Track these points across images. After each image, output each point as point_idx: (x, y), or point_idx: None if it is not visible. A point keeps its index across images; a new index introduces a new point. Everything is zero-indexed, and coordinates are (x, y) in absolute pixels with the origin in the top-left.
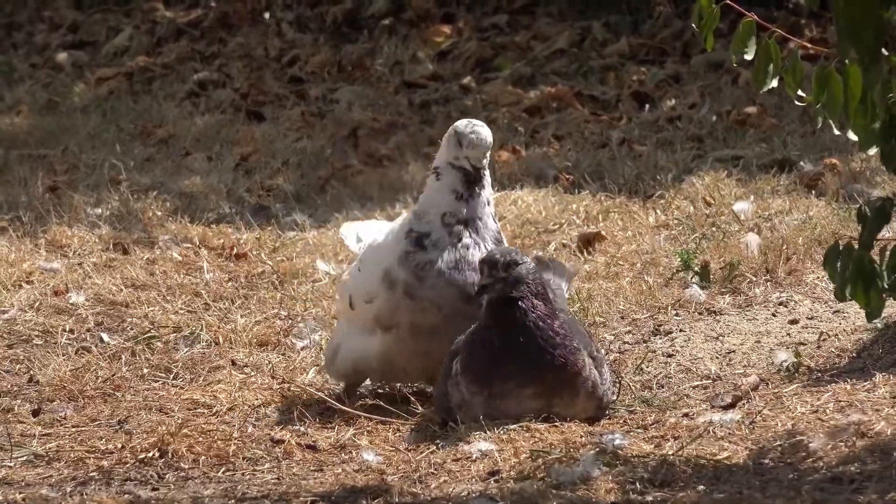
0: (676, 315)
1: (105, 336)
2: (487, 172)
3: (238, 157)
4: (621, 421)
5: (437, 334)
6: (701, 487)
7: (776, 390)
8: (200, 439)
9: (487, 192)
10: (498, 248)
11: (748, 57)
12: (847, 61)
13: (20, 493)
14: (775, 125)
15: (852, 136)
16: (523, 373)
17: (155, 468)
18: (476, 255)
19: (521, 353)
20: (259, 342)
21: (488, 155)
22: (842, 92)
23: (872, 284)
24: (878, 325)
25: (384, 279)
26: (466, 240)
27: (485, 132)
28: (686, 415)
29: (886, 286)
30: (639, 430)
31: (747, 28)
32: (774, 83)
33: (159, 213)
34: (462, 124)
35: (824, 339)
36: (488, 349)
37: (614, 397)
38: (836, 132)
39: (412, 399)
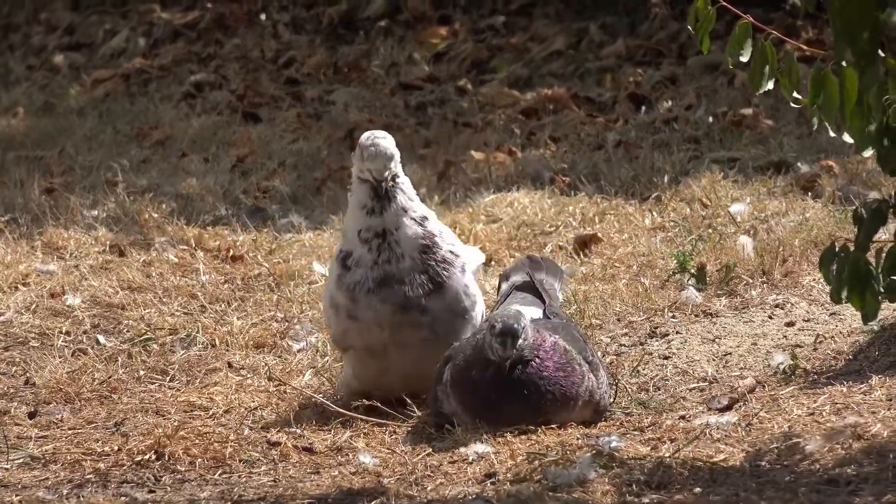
0: (673, 317)
1: (101, 338)
2: (404, 179)
3: (234, 159)
4: (618, 423)
5: (389, 351)
6: (697, 490)
7: (772, 392)
8: (197, 441)
9: (403, 200)
10: (511, 316)
11: (744, 59)
12: (843, 63)
13: (17, 495)
14: (771, 127)
15: (848, 139)
16: (520, 411)
17: (151, 470)
18: (400, 267)
19: (519, 394)
20: (255, 344)
21: (394, 166)
22: (838, 94)
23: (868, 287)
24: (875, 328)
25: (331, 304)
26: (385, 254)
27: (384, 143)
28: (682, 417)
29: (882, 289)
30: (635, 433)
31: (743, 30)
32: (770, 85)
33: (156, 215)
34: (364, 136)
35: (821, 342)
36: (484, 387)
37: (611, 400)
38: (833, 134)
39: (408, 401)
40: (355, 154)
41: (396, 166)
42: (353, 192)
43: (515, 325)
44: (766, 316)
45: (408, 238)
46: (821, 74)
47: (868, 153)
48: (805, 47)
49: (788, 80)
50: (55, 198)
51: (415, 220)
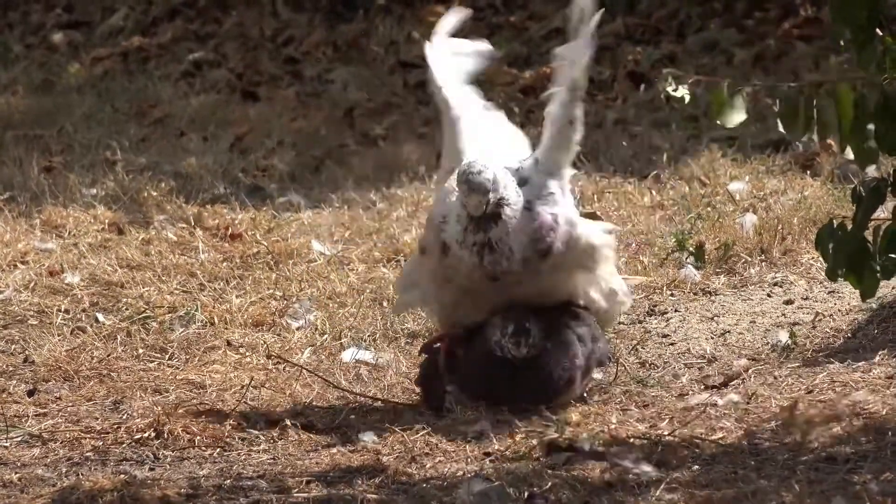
0: (672, 295)
1: (100, 316)
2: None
3: (233, 138)
4: (616, 401)
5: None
6: (696, 467)
7: (771, 370)
8: (196, 419)
9: (510, 212)
10: (520, 315)
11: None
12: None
13: (15, 473)
14: (770, 105)
15: (850, 156)
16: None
17: (151, 448)
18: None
19: (523, 382)
20: (254, 322)
21: (493, 197)
22: (835, 115)
23: (866, 265)
24: (873, 306)
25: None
26: (488, 257)
27: (478, 179)
28: (681, 395)
29: (879, 266)
30: (634, 411)
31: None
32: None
33: (154, 194)
34: (463, 166)
35: (819, 320)
36: (488, 374)
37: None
38: (841, 154)
39: (407, 380)
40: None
41: (501, 191)
42: (457, 202)
43: (530, 326)
44: (764, 294)
45: (517, 237)
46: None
47: (871, 169)
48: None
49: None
50: (54, 176)
51: (528, 216)
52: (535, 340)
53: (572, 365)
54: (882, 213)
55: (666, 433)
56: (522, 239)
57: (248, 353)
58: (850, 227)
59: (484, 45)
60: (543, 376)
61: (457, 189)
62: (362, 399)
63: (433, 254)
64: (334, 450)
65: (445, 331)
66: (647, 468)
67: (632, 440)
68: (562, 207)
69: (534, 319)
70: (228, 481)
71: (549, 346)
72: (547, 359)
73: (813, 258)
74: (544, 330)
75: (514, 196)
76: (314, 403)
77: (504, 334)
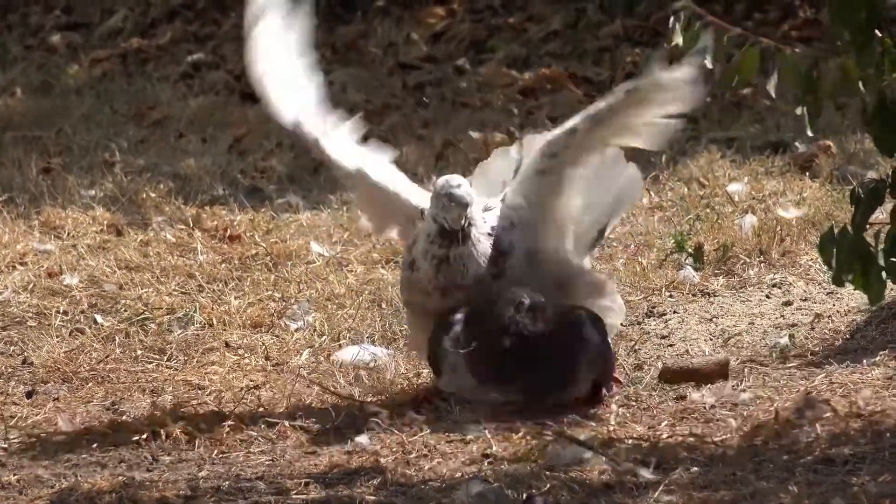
0: (670, 297)
1: (99, 318)
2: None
3: (232, 139)
4: (615, 402)
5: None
6: (695, 469)
7: (770, 372)
8: (194, 421)
9: (474, 232)
10: (532, 292)
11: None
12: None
13: (14, 474)
14: (769, 107)
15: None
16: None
17: (149, 450)
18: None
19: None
20: (253, 324)
21: (470, 213)
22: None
23: (871, 268)
24: (872, 308)
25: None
26: (444, 274)
27: (458, 192)
28: (679, 397)
29: (885, 269)
30: (632, 412)
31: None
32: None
33: (153, 195)
34: (440, 182)
35: (818, 321)
36: (502, 351)
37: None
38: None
39: (405, 383)
40: (431, 195)
41: (471, 211)
42: (425, 220)
43: (524, 299)
44: (763, 295)
45: (474, 259)
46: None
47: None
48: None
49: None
50: (53, 177)
51: (489, 241)
52: (551, 315)
53: (585, 348)
54: (880, 214)
55: (664, 435)
56: (480, 261)
57: (246, 355)
58: (849, 229)
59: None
60: (558, 355)
61: (432, 205)
62: (360, 401)
63: (403, 284)
64: (333, 451)
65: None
66: (645, 470)
67: (630, 442)
68: (520, 233)
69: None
70: (227, 483)
71: (564, 324)
72: (562, 337)
73: (812, 259)
74: (557, 310)
75: (479, 219)
76: (312, 405)
77: (520, 309)
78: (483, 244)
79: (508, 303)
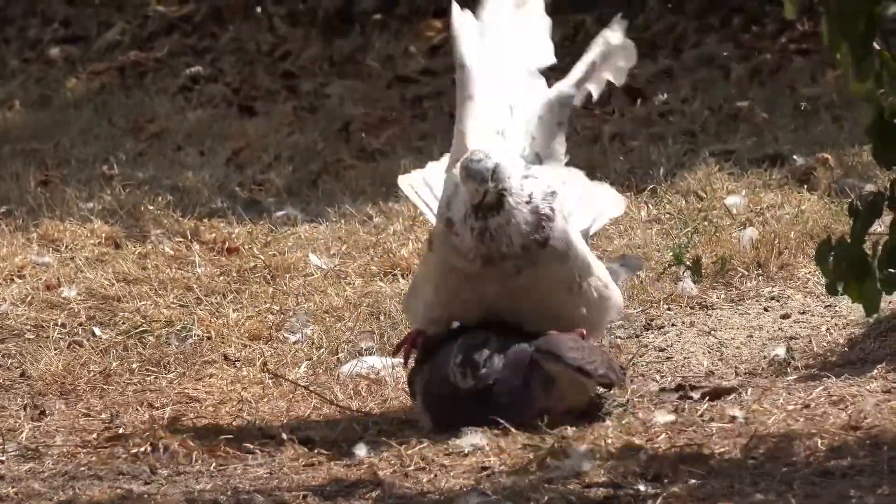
0: (669, 309)
1: (97, 330)
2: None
3: (230, 152)
4: (613, 415)
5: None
6: (693, 481)
7: (768, 384)
8: (192, 434)
9: (512, 202)
10: (475, 345)
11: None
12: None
13: (12, 487)
14: (767, 120)
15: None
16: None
17: (147, 462)
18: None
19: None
20: (251, 336)
21: (493, 186)
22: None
23: (867, 279)
24: (870, 320)
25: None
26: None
27: (477, 167)
28: (677, 409)
29: (880, 281)
30: (630, 424)
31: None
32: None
33: (151, 208)
34: (469, 152)
35: (816, 334)
36: (442, 399)
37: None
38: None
39: (404, 393)
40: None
41: (505, 182)
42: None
43: (476, 357)
44: (761, 308)
45: (517, 228)
46: None
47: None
48: None
49: None
50: (51, 190)
51: (528, 208)
52: (487, 372)
53: (529, 405)
54: (879, 227)
55: (662, 447)
56: (523, 229)
57: (244, 367)
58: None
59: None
60: (491, 411)
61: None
62: (358, 413)
63: (439, 239)
64: (331, 464)
65: (422, 328)
66: (643, 482)
67: (628, 454)
68: (559, 203)
69: (494, 351)
70: (225, 495)
71: (506, 380)
72: (500, 394)
73: (810, 272)
74: (508, 362)
75: (517, 187)
76: (311, 417)
77: (455, 362)
78: (523, 212)
79: (450, 353)
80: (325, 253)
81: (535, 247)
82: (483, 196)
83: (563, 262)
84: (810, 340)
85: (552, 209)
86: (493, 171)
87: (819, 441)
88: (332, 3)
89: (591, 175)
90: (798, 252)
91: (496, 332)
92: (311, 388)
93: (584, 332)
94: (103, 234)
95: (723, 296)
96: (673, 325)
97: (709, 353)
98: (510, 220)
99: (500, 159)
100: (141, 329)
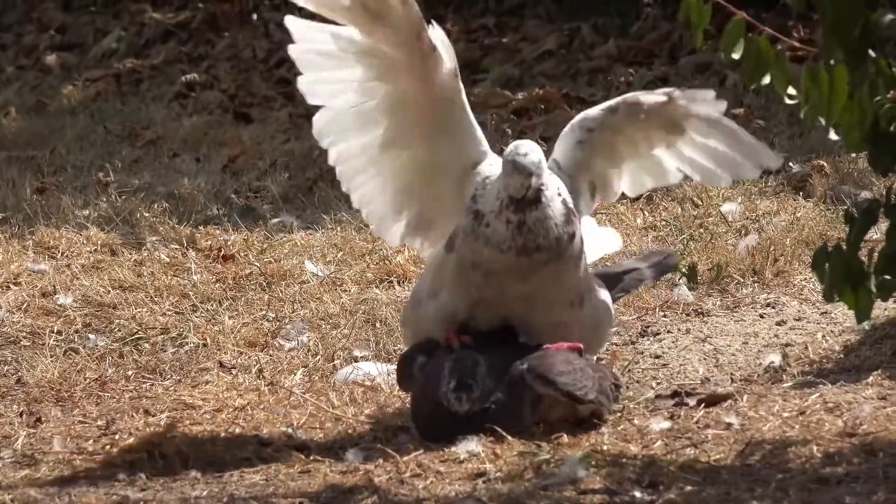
0: (664, 316)
1: (93, 337)
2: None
3: (226, 159)
4: (609, 421)
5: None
6: (688, 488)
7: (763, 391)
8: (188, 441)
9: (548, 196)
10: (468, 369)
11: (736, 56)
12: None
13: (8, 494)
14: (763, 127)
15: (834, 137)
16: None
17: (143, 469)
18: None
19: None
20: (247, 343)
21: (534, 181)
22: (828, 90)
23: (862, 285)
24: (866, 327)
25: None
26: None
27: (523, 161)
28: (672, 416)
29: (875, 288)
30: (625, 431)
31: (737, 26)
32: (766, 80)
33: (147, 215)
34: (511, 146)
35: (812, 341)
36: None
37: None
38: (832, 136)
39: (400, 400)
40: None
41: (544, 177)
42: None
43: (470, 381)
44: (757, 315)
45: (552, 221)
46: (814, 71)
47: (858, 152)
48: (798, 45)
49: (781, 74)
50: (47, 197)
51: (560, 201)
52: (481, 395)
53: (520, 422)
54: (875, 234)
55: (658, 454)
56: (558, 221)
57: (240, 375)
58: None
59: None
60: (483, 428)
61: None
62: (354, 420)
63: (463, 233)
64: (327, 470)
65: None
66: (639, 489)
67: (624, 460)
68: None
69: (485, 373)
70: (221, 502)
71: (500, 403)
72: (493, 413)
73: (805, 279)
74: (500, 384)
75: (548, 181)
76: (307, 424)
77: (448, 387)
78: (556, 206)
79: (443, 378)
80: (320, 260)
81: (566, 239)
82: (527, 190)
83: (579, 262)
84: (806, 347)
85: (576, 206)
86: (538, 164)
87: (815, 448)
88: None
89: None
90: (794, 259)
91: (485, 351)
92: (307, 395)
93: (581, 347)
94: (99, 242)
95: (718, 303)
96: (669, 331)
97: (704, 359)
98: (547, 213)
99: (540, 153)
100: (137, 336)
